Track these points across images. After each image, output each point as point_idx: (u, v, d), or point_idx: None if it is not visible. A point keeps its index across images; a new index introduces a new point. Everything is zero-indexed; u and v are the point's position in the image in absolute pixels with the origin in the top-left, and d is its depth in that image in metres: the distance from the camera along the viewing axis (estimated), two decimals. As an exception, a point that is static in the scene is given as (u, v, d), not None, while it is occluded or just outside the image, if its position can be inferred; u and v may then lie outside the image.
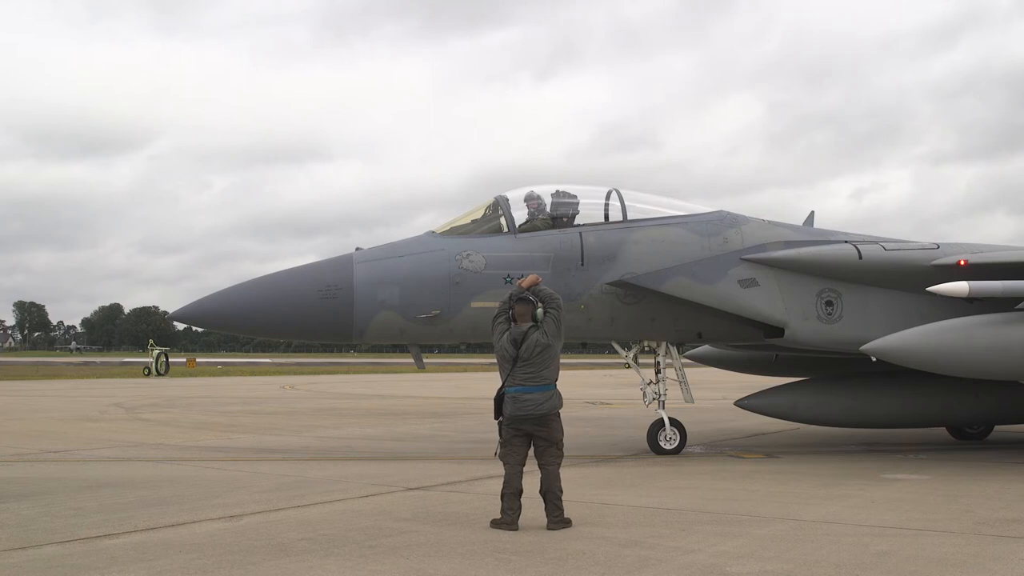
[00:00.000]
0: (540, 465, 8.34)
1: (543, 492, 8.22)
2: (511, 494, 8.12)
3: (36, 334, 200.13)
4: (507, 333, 8.48)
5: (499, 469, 8.43)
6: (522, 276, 12.61)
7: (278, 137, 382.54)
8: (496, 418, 8.44)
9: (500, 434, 8.44)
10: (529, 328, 8.41)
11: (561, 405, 8.43)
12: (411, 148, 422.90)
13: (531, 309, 8.47)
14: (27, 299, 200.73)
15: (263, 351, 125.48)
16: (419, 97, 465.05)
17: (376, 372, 57.08)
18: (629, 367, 14.24)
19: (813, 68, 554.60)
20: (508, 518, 8.03)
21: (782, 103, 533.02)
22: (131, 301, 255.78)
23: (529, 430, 8.28)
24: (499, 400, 8.39)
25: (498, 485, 8.28)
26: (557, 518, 8.06)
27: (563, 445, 8.44)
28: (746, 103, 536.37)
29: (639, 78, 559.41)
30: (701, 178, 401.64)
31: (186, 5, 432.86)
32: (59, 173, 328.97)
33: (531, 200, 13.27)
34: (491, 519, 8.19)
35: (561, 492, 8.22)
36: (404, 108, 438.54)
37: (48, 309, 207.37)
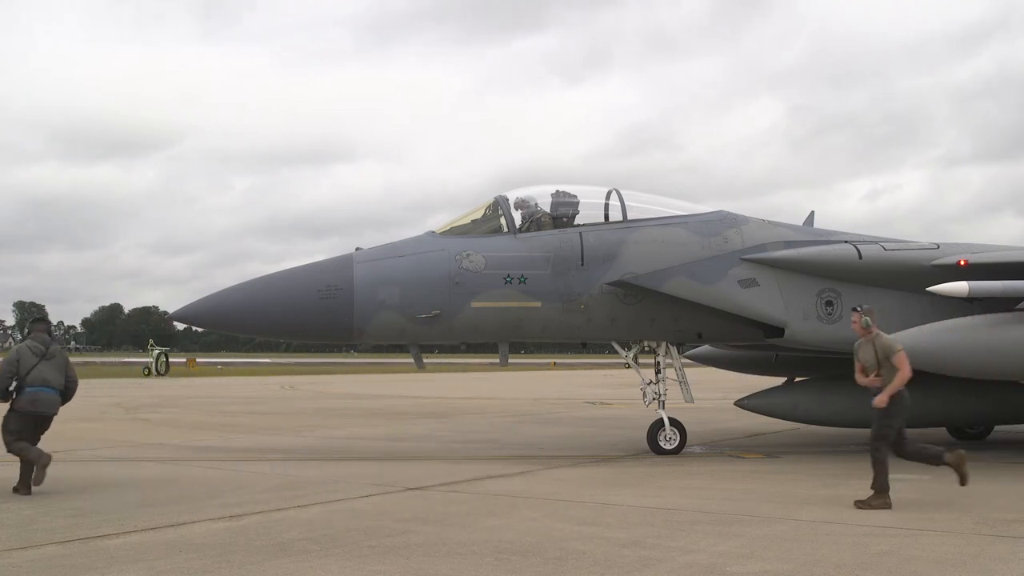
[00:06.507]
0: None
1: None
2: None
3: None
4: None
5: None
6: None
7: (304, 140, 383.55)
8: None
9: None
10: None
11: None
12: (433, 151, 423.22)
13: None
14: (37, 299, 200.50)
15: (263, 351, 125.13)
16: (448, 101, 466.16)
17: (376, 372, 57.04)
18: (629, 367, 14.24)
19: (838, 72, 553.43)
20: None
21: (804, 106, 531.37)
22: (138, 301, 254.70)
23: None
24: None
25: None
26: None
27: None
28: (769, 106, 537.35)
29: (666, 82, 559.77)
30: (718, 179, 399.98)
31: (230, 10, 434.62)
32: (82, 174, 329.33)
33: (522, 205, 13.23)
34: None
35: None
36: (432, 112, 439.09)
37: (50, 309, 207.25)
